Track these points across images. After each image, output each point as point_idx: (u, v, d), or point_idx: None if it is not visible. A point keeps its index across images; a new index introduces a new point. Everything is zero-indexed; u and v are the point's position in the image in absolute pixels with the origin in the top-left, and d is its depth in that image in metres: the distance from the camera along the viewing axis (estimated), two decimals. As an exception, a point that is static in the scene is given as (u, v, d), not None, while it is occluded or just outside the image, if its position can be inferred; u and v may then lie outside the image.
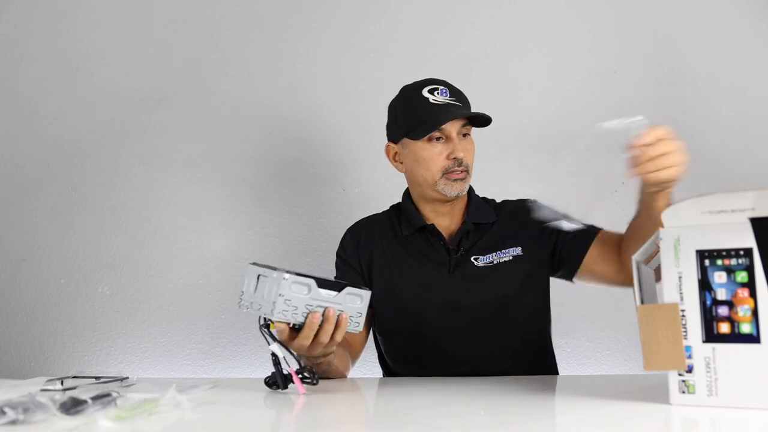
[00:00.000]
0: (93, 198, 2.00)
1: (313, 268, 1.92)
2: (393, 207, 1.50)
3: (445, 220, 1.40)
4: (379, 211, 1.52)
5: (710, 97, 1.91)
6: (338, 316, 1.03)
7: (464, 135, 1.34)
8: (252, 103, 2.00)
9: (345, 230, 1.49)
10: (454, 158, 1.31)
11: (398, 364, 1.42)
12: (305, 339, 1.01)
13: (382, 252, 1.41)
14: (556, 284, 1.44)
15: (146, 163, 2.00)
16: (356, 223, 1.50)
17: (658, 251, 0.88)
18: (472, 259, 1.35)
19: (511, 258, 1.35)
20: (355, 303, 1.07)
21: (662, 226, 0.87)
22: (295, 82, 1.99)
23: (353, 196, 1.94)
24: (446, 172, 1.32)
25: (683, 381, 0.85)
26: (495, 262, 1.34)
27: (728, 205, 0.83)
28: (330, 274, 1.89)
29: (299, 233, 1.95)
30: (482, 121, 1.34)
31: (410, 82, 1.40)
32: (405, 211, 1.43)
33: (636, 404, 0.89)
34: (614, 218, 1.89)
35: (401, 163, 1.41)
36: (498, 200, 1.48)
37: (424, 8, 2.00)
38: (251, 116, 1.99)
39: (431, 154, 1.33)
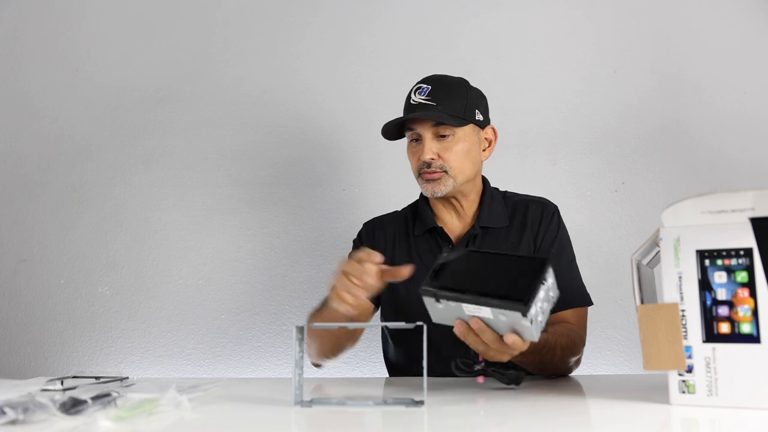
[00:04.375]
0: (93, 198, 2.00)
1: (314, 268, 1.93)
2: (410, 205, 1.48)
3: (456, 221, 1.39)
4: (390, 210, 1.51)
5: (710, 96, 1.92)
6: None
7: (442, 136, 1.30)
8: (252, 103, 2.00)
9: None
10: (423, 160, 1.31)
11: (401, 364, 1.42)
12: None
13: (392, 252, 1.40)
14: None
15: (146, 163, 2.00)
16: (373, 219, 1.49)
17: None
18: None
19: None
20: None
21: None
22: (295, 82, 2.00)
23: (353, 196, 1.94)
24: (420, 173, 1.33)
25: (683, 381, 0.85)
26: None
27: (728, 205, 0.83)
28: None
29: (299, 233, 1.95)
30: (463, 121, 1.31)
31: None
32: (419, 211, 1.42)
33: (636, 404, 0.89)
34: (615, 218, 1.91)
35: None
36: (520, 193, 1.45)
37: (424, 8, 2.00)
38: (251, 116, 1.99)
39: (410, 154, 1.36)
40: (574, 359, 1.27)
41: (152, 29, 2.05)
